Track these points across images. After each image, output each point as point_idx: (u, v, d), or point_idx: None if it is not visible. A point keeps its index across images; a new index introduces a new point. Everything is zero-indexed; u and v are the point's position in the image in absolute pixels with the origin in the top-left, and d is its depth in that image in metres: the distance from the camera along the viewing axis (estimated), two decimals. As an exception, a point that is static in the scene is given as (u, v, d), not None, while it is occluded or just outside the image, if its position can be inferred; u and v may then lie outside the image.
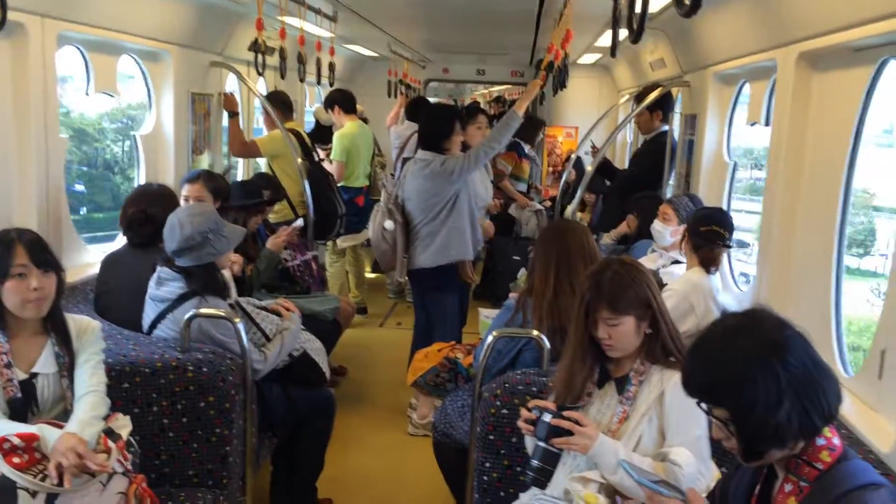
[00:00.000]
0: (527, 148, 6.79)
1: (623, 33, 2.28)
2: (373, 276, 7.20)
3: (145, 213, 3.18)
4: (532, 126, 6.89)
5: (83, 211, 5.58)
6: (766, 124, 3.45)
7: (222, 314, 2.73)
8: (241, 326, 2.71)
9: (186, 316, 2.68)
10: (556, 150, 8.14)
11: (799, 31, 2.88)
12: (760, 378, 1.40)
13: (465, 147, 4.34)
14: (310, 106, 7.87)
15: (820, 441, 1.45)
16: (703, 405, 1.52)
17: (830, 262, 2.75)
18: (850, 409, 2.33)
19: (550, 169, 8.11)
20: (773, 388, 1.40)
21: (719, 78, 4.17)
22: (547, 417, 2.11)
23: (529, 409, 2.17)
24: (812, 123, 2.97)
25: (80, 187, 5.70)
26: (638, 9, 1.82)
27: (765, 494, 1.55)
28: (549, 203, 6.94)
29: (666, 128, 4.88)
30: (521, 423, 2.18)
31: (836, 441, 1.46)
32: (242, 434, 2.70)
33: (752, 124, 3.69)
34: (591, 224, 5.81)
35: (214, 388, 2.58)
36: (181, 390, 2.57)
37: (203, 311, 2.71)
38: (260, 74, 4.35)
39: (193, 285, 2.81)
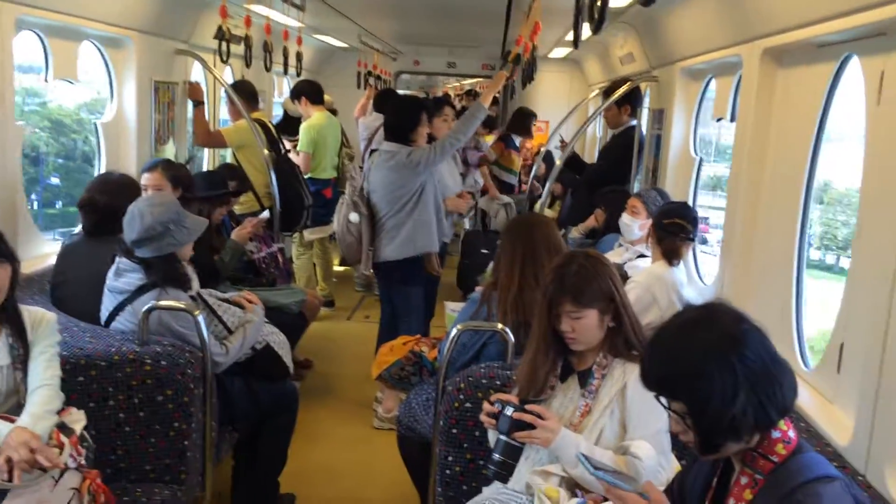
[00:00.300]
0: (518, 140, 6.77)
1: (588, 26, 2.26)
2: (341, 268, 7.15)
3: (93, 200, 3.12)
4: (523, 117, 6.88)
5: (59, 205, 5.44)
6: (732, 120, 3.47)
7: (182, 306, 2.67)
8: (201, 319, 2.67)
9: (145, 308, 2.63)
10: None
11: (763, 27, 2.90)
12: (717, 372, 1.41)
13: (431, 140, 4.31)
14: (278, 96, 7.78)
15: (775, 434, 1.45)
16: (662, 399, 1.51)
17: (792, 256, 2.77)
18: (808, 403, 2.36)
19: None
20: (730, 382, 1.40)
21: (686, 73, 4.20)
22: (509, 411, 2.10)
23: (492, 403, 2.16)
24: (776, 119, 2.99)
25: (55, 180, 5.56)
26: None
27: (722, 487, 1.56)
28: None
29: (634, 122, 4.90)
30: (483, 417, 2.17)
31: (792, 434, 1.47)
32: (202, 428, 2.66)
33: (718, 120, 3.71)
34: (559, 218, 5.81)
35: (173, 382, 2.53)
36: (138, 384, 2.52)
37: (162, 303, 2.66)
38: (224, 62, 4.28)
39: (153, 276, 2.76)
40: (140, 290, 2.74)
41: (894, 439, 1.87)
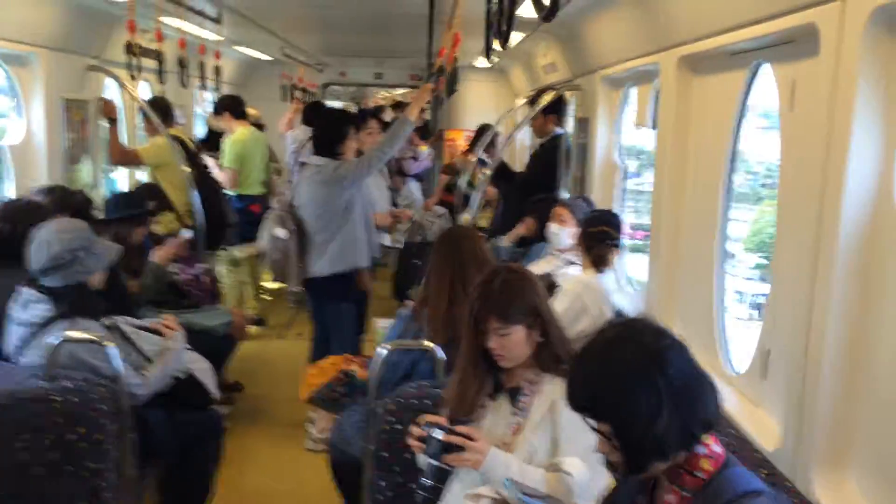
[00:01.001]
0: (484, 155, 6.76)
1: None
2: (275, 285, 6.97)
3: None
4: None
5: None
6: (653, 128, 3.51)
7: (92, 338, 2.53)
8: (113, 350, 2.53)
9: (54, 341, 2.48)
10: (455, 153, 8.15)
11: (679, 36, 2.93)
12: (640, 390, 1.38)
13: (359, 154, 4.25)
14: (202, 112, 7.59)
15: (701, 450, 1.43)
16: (589, 420, 1.48)
17: (713, 260, 2.80)
18: (736, 407, 2.38)
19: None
20: (654, 400, 1.38)
21: (607, 82, 4.23)
22: (437, 434, 2.03)
23: (420, 426, 2.10)
24: (694, 126, 3.02)
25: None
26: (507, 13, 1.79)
27: (650, 505, 1.53)
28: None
29: (561, 131, 4.91)
30: (410, 442, 2.10)
31: (717, 448, 1.45)
32: (118, 467, 2.52)
33: (639, 128, 3.75)
34: (491, 227, 5.79)
35: (84, 419, 2.38)
36: (46, 423, 2.36)
37: (71, 334, 2.52)
38: (134, 78, 4.14)
39: (61, 307, 2.61)
40: (48, 322, 2.60)
41: (820, 445, 1.89)
